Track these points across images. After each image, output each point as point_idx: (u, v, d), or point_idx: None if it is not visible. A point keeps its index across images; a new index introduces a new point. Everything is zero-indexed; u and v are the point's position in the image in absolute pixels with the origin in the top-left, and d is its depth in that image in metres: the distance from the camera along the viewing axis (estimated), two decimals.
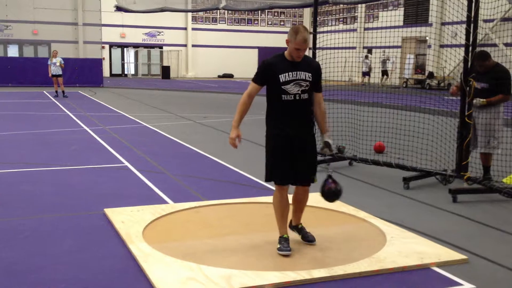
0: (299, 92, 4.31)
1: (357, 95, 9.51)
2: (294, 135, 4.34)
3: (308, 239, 4.61)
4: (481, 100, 6.65)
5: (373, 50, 33.78)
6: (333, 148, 4.61)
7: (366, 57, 32.14)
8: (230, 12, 40.58)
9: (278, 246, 4.41)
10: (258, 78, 4.40)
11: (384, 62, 30.69)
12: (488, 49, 7.20)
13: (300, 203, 4.62)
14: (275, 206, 4.50)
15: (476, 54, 6.56)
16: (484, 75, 6.68)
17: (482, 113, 6.79)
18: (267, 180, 4.52)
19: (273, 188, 4.56)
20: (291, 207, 4.59)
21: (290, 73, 4.28)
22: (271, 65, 4.35)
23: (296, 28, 4.28)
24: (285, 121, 4.34)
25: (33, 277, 3.89)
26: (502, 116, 6.91)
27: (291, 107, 4.33)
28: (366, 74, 31.34)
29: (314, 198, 5.70)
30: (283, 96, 4.30)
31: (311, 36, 8.34)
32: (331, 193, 4.55)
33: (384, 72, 30.80)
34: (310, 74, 4.33)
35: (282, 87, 4.29)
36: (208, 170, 7.82)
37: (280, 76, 4.28)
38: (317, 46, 8.36)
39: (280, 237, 4.46)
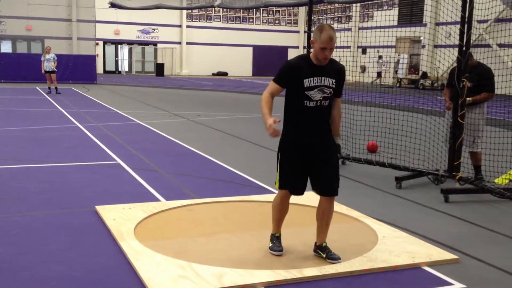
0: (321, 98, 4.05)
1: (350, 95, 9.53)
2: (314, 143, 4.10)
3: (333, 257, 4.20)
4: (467, 98, 6.70)
5: (367, 50, 33.86)
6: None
7: (380, 57, 32.39)
8: (225, 10, 40.53)
9: (270, 245, 4.38)
10: (282, 80, 4.07)
11: (398, 62, 31.06)
12: (481, 50, 7.25)
13: (323, 216, 4.25)
14: (274, 209, 4.36)
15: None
16: (469, 72, 6.75)
17: (467, 113, 6.85)
18: (280, 187, 4.25)
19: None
20: (314, 224, 4.34)
21: (315, 78, 4.00)
22: (297, 68, 4.03)
23: (320, 27, 3.96)
24: (305, 128, 4.09)
25: (24, 275, 3.87)
26: (485, 116, 7.01)
27: (312, 114, 4.06)
28: (379, 74, 31.68)
29: (307, 197, 5.71)
30: (305, 102, 4.03)
31: (306, 34, 8.37)
32: None
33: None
34: (334, 80, 4.07)
35: (306, 92, 4.01)
36: (201, 168, 7.81)
37: (305, 80, 3.99)
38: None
39: (272, 234, 4.42)
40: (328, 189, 4.19)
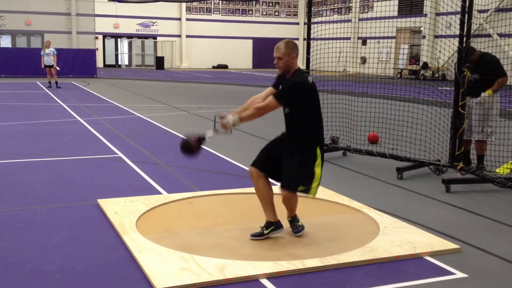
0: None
1: (351, 86, 9.51)
2: (283, 143, 4.52)
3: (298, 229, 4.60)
4: (486, 93, 6.75)
5: (368, 41, 33.76)
6: (209, 135, 4.91)
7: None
8: (224, 2, 40.43)
9: (265, 231, 4.52)
10: None
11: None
12: (482, 40, 7.21)
13: (283, 203, 4.53)
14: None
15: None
16: (474, 67, 6.77)
17: (478, 103, 6.87)
18: None
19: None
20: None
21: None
22: (277, 78, 4.71)
23: None
24: (286, 130, 4.56)
25: (27, 268, 3.89)
26: (497, 106, 6.99)
27: (285, 120, 4.52)
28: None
29: None
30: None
31: (306, 26, 8.34)
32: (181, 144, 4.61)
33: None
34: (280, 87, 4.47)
35: None
36: (202, 161, 7.79)
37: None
38: (312, 36, 8.34)
39: (267, 221, 4.55)
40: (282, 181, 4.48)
